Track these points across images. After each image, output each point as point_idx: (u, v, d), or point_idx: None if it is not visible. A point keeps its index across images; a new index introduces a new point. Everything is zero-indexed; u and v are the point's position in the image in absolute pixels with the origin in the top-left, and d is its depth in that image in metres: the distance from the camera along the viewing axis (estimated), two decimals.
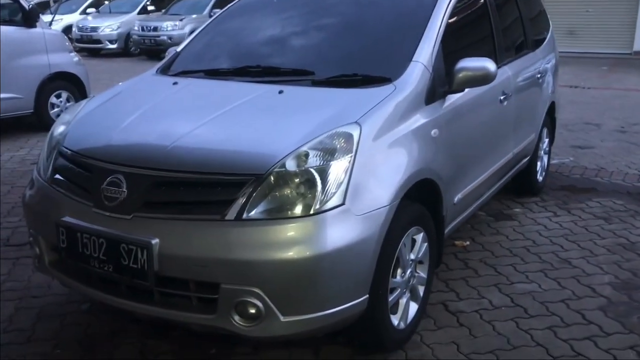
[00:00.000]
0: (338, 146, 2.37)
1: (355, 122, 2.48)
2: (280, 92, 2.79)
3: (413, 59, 2.92)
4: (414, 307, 2.83)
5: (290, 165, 2.30)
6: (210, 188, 2.32)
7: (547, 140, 5.08)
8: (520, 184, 4.79)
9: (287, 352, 2.73)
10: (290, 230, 2.24)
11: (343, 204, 2.29)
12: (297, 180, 2.30)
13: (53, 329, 2.94)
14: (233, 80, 3.09)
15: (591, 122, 7.74)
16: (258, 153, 2.36)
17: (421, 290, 2.89)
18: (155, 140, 2.52)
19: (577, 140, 6.78)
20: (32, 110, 7.14)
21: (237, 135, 2.51)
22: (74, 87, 7.61)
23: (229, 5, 3.92)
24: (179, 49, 3.64)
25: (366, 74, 2.91)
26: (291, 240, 2.23)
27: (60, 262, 2.63)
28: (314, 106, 2.69)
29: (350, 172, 2.34)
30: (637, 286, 3.39)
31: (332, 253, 2.24)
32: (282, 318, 2.24)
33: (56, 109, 7.38)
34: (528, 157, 4.56)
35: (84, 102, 3.15)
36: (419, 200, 2.76)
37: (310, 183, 2.29)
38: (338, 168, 2.33)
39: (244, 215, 2.25)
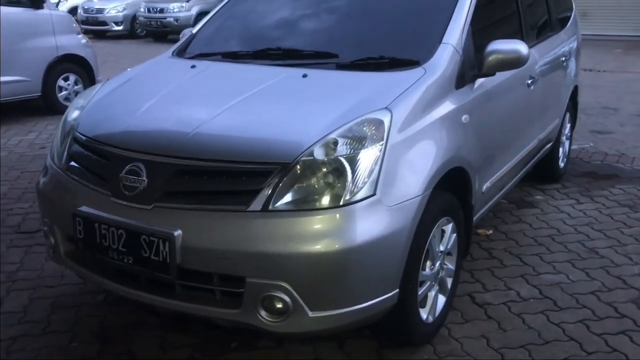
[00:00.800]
0: (368, 133, 2.25)
1: (386, 107, 2.36)
2: (304, 75, 2.66)
3: (443, 41, 2.78)
4: (442, 300, 2.72)
5: (319, 153, 2.19)
6: (235, 177, 2.22)
7: (568, 125, 4.94)
8: (542, 171, 4.65)
9: (311, 346, 2.64)
10: (319, 222, 2.13)
11: (374, 194, 2.18)
12: (325, 169, 2.18)
13: (68, 320, 2.86)
14: (253, 64, 2.96)
15: (609, 106, 7.58)
16: (284, 141, 2.25)
17: (449, 282, 2.78)
18: (176, 126, 2.41)
19: (595, 125, 6.63)
20: (39, 94, 7.05)
21: (262, 121, 2.39)
22: (81, 69, 7.50)
23: None
24: (194, 30, 3.51)
25: (393, 56, 2.78)
26: (320, 233, 2.12)
27: (77, 252, 2.53)
28: (341, 91, 2.57)
29: (382, 160, 2.23)
30: None
31: (362, 246, 2.13)
32: (310, 313, 2.14)
33: (64, 92, 7.29)
34: (551, 143, 4.43)
35: (98, 85, 3.03)
36: (449, 190, 2.65)
37: (339, 172, 2.18)
38: (368, 157, 2.21)
39: (270, 206, 2.14)
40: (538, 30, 4.05)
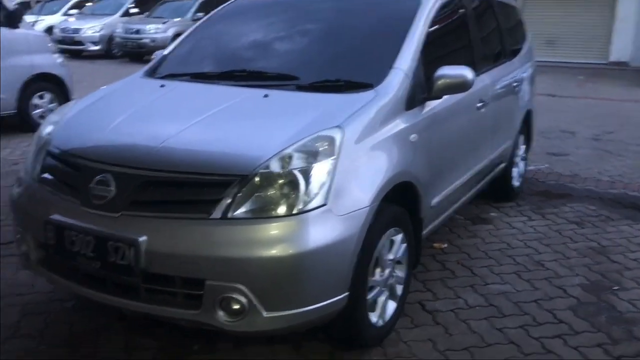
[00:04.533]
0: (321, 149, 2.46)
1: (338, 126, 2.58)
2: (266, 96, 2.88)
3: (394, 66, 3.02)
4: (392, 306, 2.92)
5: (275, 166, 2.39)
6: (197, 188, 2.40)
7: (523, 147, 5.22)
8: (497, 190, 4.92)
9: (268, 348, 2.81)
10: (274, 229, 2.32)
11: (325, 204, 2.39)
12: (280, 181, 2.38)
13: (38, 325, 2.99)
14: (219, 84, 3.17)
15: (567, 130, 7.93)
16: (243, 154, 2.45)
17: (399, 289, 2.99)
18: (143, 140, 2.59)
19: (552, 148, 6.95)
20: (14, 111, 7.14)
21: (224, 137, 2.59)
22: (57, 88, 7.62)
23: (215, 10, 4.00)
24: (165, 52, 3.71)
25: (349, 79, 3.01)
26: (274, 239, 2.31)
27: (47, 259, 2.68)
28: (298, 110, 2.78)
29: (333, 174, 2.44)
30: (606, 287, 3.53)
31: (313, 251, 2.33)
32: (264, 314, 2.32)
33: (39, 110, 7.39)
34: (504, 163, 4.69)
35: (71, 103, 3.21)
36: (398, 203, 2.86)
37: (293, 184, 2.38)
38: (321, 170, 2.42)
39: (230, 214, 2.33)
40: (490, 57, 4.33)
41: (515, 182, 5.09)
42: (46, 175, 2.75)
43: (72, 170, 2.63)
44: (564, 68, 14.84)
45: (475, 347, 2.88)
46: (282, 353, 2.78)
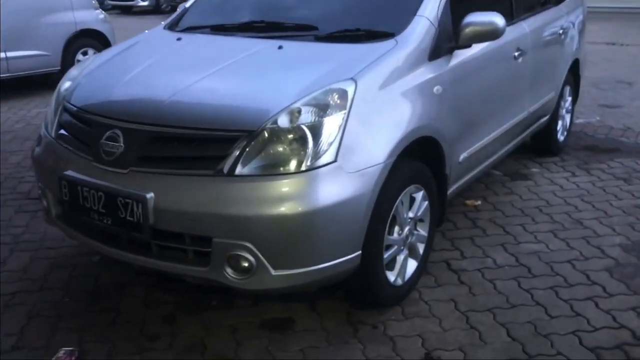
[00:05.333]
0: (331, 102, 2.35)
1: (351, 78, 2.45)
2: (280, 47, 2.77)
3: (417, 14, 2.85)
4: (412, 265, 2.83)
5: (283, 121, 2.30)
6: (205, 143, 2.35)
7: (569, 98, 4.93)
8: (540, 144, 4.69)
9: (284, 306, 2.78)
10: (282, 187, 2.25)
11: (335, 161, 2.29)
12: (289, 136, 2.29)
13: (64, 279, 3.05)
14: (236, 36, 3.07)
15: (623, 80, 7.46)
16: (251, 109, 2.37)
17: (421, 248, 2.89)
18: (152, 95, 2.54)
19: (606, 99, 6.57)
20: (59, 68, 7.26)
21: (233, 90, 2.52)
22: (100, 44, 7.69)
23: None
24: (187, 4, 3.62)
25: (369, 29, 2.85)
26: (282, 196, 2.24)
27: (65, 215, 2.70)
28: (313, 62, 2.67)
29: (344, 129, 2.33)
30: None
31: (323, 209, 2.25)
32: (273, 272, 2.27)
33: None
34: (547, 116, 4.44)
35: (92, 57, 3.18)
36: (420, 158, 2.74)
37: (302, 140, 2.29)
38: (330, 125, 2.32)
39: (237, 171, 2.26)
40: (531, 3, 4.05)
41: (560, 136, 4.83)
42: (62, 131, 2.75)
43: (85, 126, 2.62)
44: (631, 14, 13.91)
45: (498, 308, 2.77)
46: (298, 311, 2.75)
